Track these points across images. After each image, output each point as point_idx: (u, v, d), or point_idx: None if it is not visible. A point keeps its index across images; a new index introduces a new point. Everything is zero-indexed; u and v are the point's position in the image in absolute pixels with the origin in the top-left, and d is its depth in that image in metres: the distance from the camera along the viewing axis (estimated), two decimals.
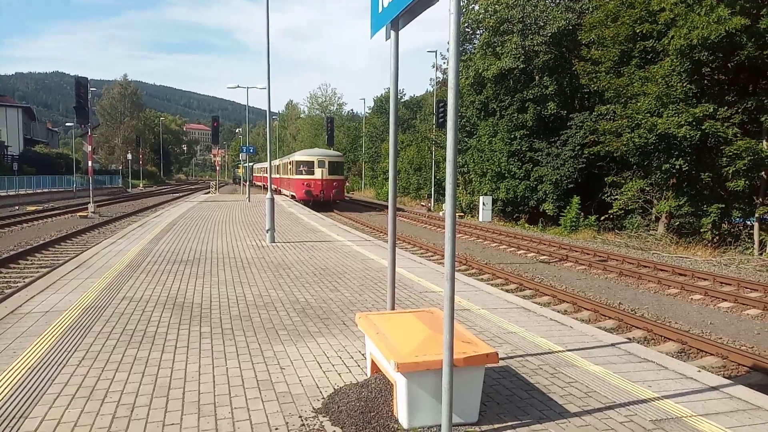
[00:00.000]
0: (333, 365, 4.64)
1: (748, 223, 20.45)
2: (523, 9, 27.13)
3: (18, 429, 3.41)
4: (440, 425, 3.27)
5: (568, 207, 25.60)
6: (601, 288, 12.31)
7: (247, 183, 36.29)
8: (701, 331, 8.95)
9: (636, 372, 4.59)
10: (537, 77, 28.28)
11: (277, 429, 3.47)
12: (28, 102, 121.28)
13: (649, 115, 20.02)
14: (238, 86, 33.76)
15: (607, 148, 22.39)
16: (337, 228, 16.83)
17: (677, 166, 20.18)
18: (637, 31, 20.92)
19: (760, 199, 19.16)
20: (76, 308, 6.35)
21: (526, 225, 27.78)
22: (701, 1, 17.24)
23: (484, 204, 29.03)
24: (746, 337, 8.77)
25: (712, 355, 7.62)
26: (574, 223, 24.65)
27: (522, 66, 27.65)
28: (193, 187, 78.51)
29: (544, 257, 16.41)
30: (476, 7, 30.14)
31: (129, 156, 67.33)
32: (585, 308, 10.05)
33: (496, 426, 3.56)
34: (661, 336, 8.42)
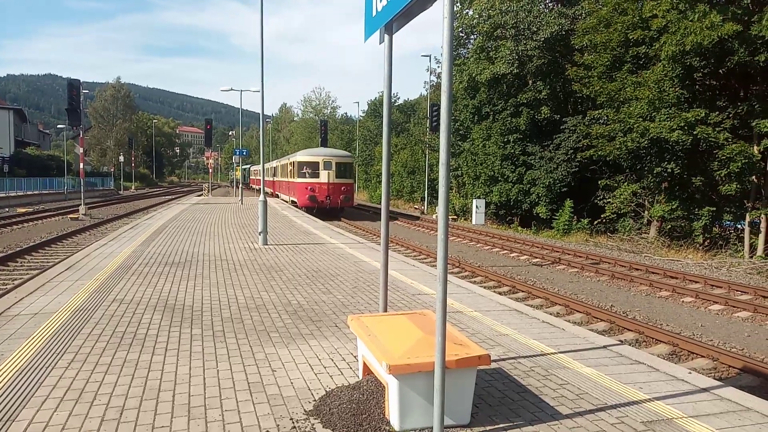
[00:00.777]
0: (325, 367, 4.62)
1: (739, 226, 20.63)
2: (516, 14, 27.22)
3: None
4: (432, 427, 3.26)
5: (561, 210, 25.69)
6: (594, 290, 12.35)
7: (240, 186, 36.09)
8: (692, 334, 8.99)
9: (627, 374, 4.61)
10: (530, 82, 28.42)
11: (268, 431, 3.45)
12: (20, 104, 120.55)
13: (641, 119, 20.17)
14: (232, 89, 33.53)
15: (599, 152, 22.53)
16: (329, 230, 16.80)
17: (669, 170, 20.33)
18: (630, 37, 21.08)
19: (751, 203, 19.32)
20: (65, 310, 6.30)
21: (519, 228, 27.85)
22: (694, 8, 17.39)
23: (477, 207, 29.07)
24: (737, 339, 8.82)
25: (702, 357, 7.67)
26: (567, 226, 24.74)
27: (515, 71, 27.78)
28: (185, 189, 78.11)
29: (537, 260, 16.45)
30: (470, 12, 30.27)
31: (121, 158, 66.86)
32: (577, 310, 10.08)
33: (488, 428, 3.56)
34: (653, 338, 8.46)
